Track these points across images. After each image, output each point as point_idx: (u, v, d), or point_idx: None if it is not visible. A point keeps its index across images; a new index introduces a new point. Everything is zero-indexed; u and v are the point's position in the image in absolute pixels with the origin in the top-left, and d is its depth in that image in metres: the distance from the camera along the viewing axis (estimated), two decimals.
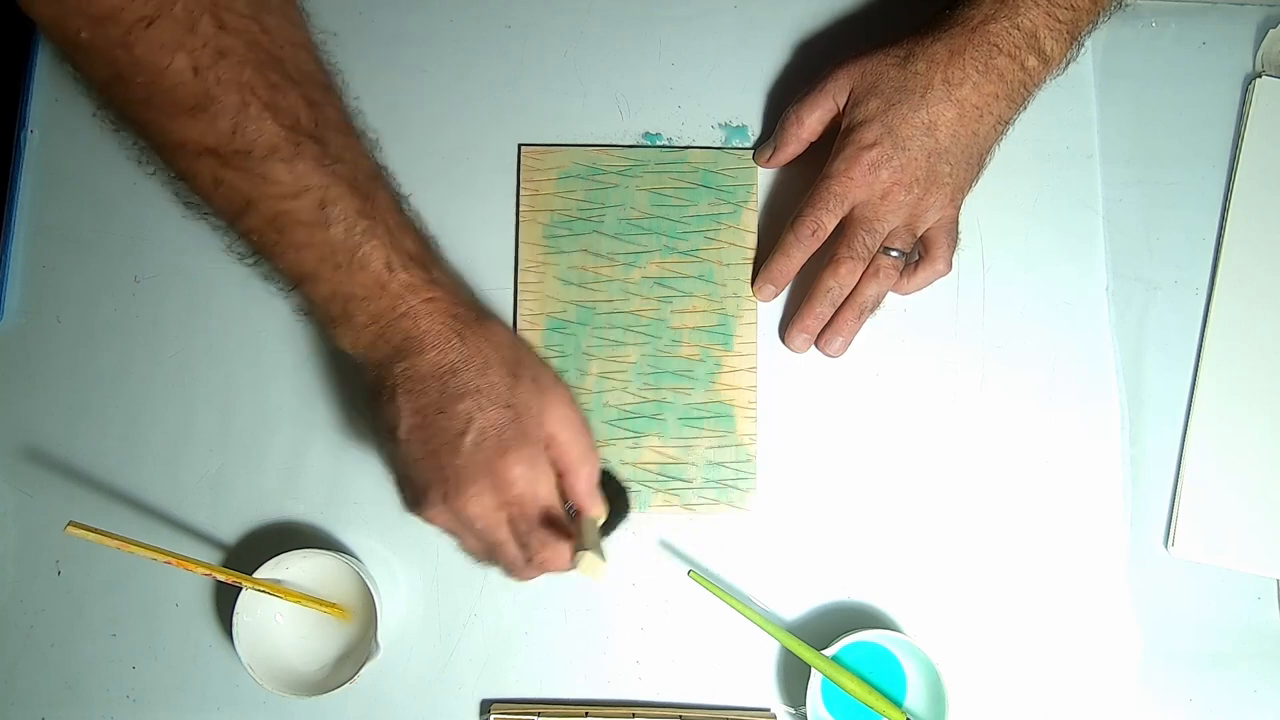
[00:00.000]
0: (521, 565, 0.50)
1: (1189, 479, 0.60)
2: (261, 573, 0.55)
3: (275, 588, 0.55)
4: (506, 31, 0.65)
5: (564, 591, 0.60)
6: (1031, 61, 0.56)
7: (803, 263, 0.59)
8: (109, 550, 0.48)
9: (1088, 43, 0.59)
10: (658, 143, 0.64)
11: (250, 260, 0.49)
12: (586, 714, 0.58)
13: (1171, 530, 0.60)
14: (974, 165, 0.58)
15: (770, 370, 0.62)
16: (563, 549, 0.49)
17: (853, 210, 0.58)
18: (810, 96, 0.60)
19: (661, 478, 0.60)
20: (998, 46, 0.55)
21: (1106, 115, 0.64)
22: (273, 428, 0.61)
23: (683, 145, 0.64)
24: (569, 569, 0.49)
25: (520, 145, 0.63)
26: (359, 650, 0.57)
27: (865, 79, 0.57)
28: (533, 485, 0.48)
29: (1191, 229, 0.63)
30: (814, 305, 0.59)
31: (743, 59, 0.65)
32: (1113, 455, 0.61)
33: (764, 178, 0.64)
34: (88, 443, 0.61)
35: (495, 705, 0.58)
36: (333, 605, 0.57)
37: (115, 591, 0.60)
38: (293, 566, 0.57)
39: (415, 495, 0.49)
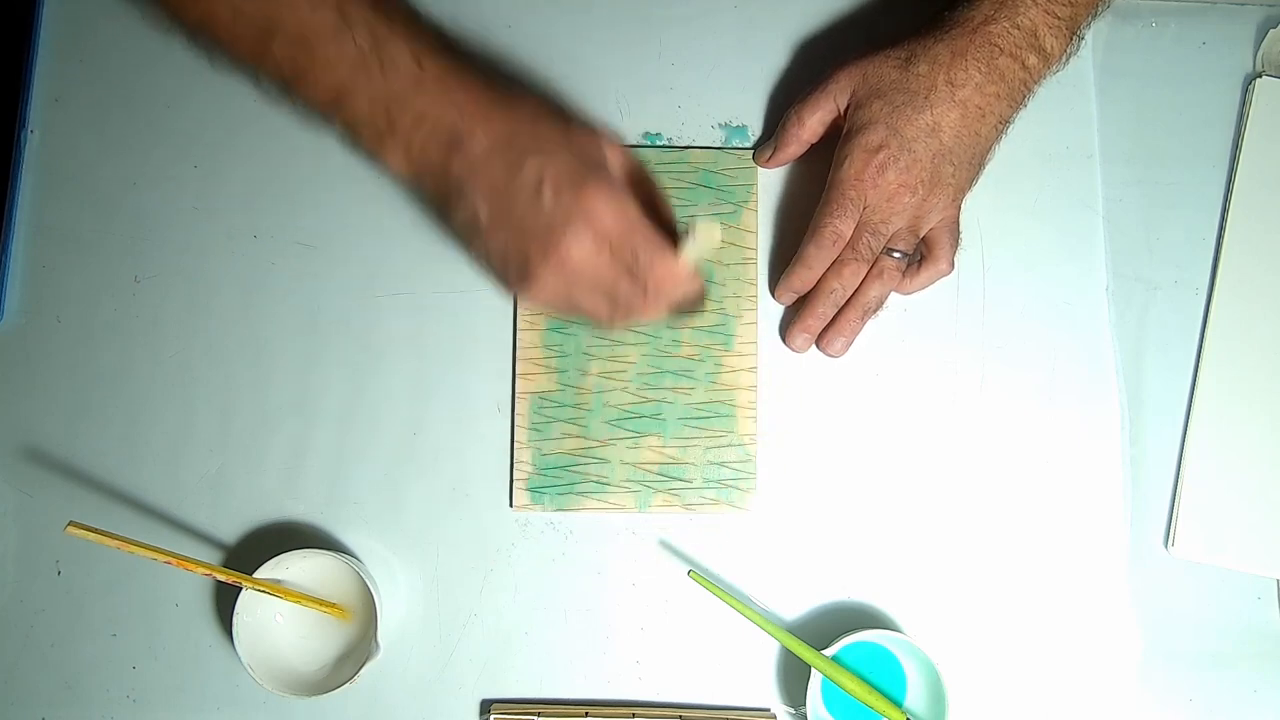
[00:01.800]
0: (641, 297, 0.50)
1: (1189, 479, 0.60)
2: (261, 573, 0.55)
3: (275, 588, 0.55)
4: (506, 31, 0.65)
5: (564, 591, 0.60)
6: (1032, 60, 0.56)
7: (824, 270, 0.59)
8: (109, 550, 0.48)
9: (1088, 39, 0.59)
10: (658, 143, 0.64)
11: (284, 98, 0.49)
12: (586, 714, 0.58)
13: (1171, 530, 0.60)
14: (975, 165, 0.58)
15: (770, 370, 0.62)
16: (674, 257, 0.49)
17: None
18: (811, 98, 0.60)
19: (661, 478, 0.60)
20: (999, 47, 0.55)
21: (1106, 115, 0.64)
22: (273, 428, 0.61)
23: (683, 145, 0.64)
24: (688, 287, 0.50)
25: None
26: (359, 650, 0.57)
27: (867, 81, 0.57)
28: (622, 210, 0.48)
29: (1191, 229, 0.63)
30: (816, 306, 0.59)
31: (743, 59, 0.65)
32: (1113, 455, 0.61)
33: (764, 178, 0.64)
34: (88, 443, 0.61)
35: (495, 705, 0.58)
36: (333, 605, 0.57)
37: (115, 591, 0.60)
38: (293, 566, 0.57)
39: (518, 273, 0.49)
